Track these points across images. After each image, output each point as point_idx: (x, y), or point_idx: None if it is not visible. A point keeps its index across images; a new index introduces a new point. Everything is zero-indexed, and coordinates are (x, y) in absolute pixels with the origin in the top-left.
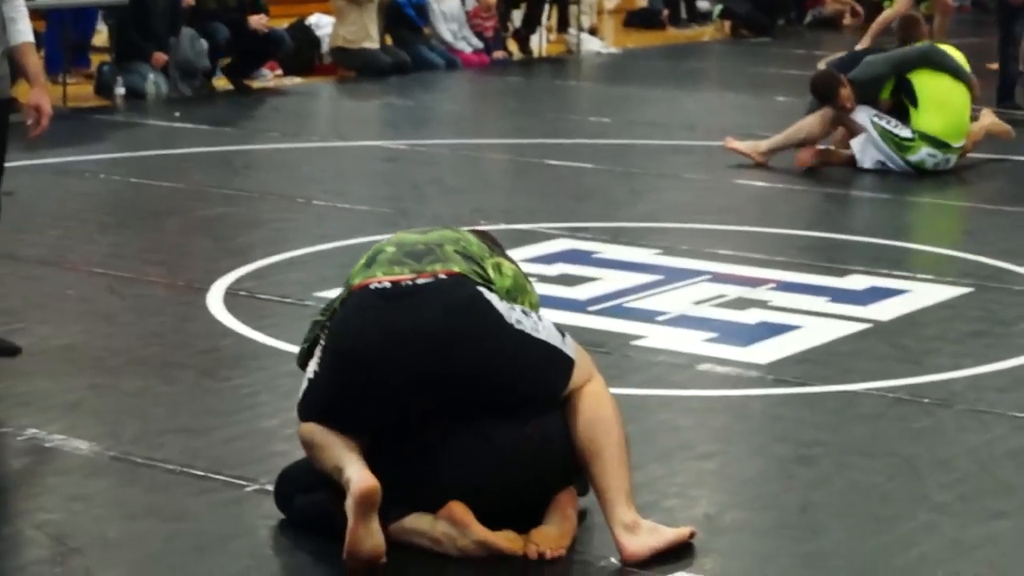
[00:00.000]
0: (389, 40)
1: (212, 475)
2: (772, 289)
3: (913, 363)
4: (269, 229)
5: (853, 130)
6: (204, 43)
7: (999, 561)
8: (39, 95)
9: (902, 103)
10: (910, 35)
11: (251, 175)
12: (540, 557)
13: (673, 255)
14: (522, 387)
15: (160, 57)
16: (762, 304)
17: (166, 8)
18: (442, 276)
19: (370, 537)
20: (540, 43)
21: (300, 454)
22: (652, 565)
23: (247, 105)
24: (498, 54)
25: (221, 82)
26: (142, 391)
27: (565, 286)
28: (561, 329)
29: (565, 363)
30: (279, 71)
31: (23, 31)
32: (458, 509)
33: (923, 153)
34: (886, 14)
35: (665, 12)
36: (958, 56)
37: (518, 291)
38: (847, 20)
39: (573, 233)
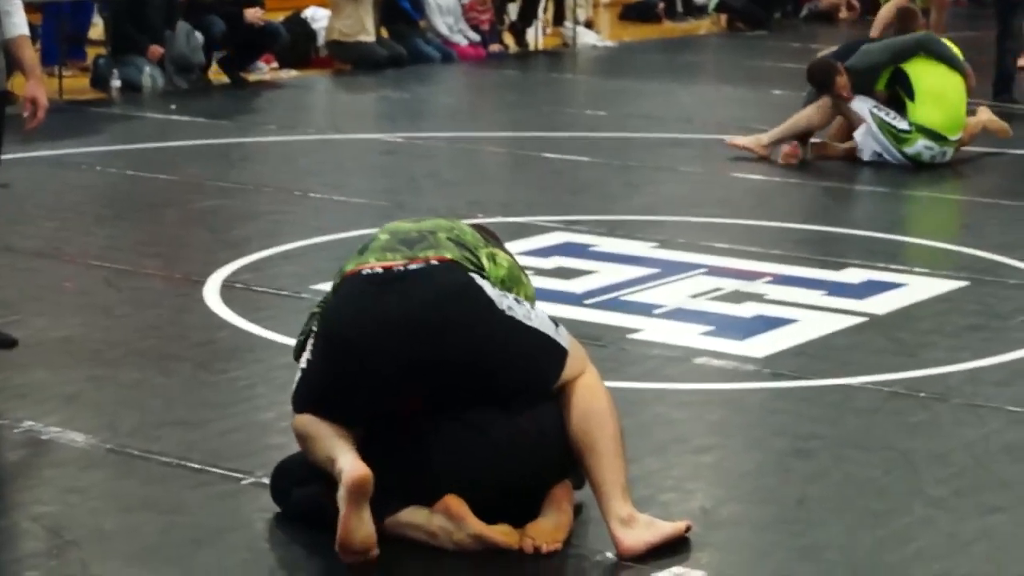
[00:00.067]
0: (385, 33)
1: (208, 468)
2: (768, 282)
3: (909, 357)
4: (265, 222)
5: (852, 121)
6: (200, 36)
7: (995, 555)
8: (35, 88)
9: (898, 96)
10: (907, 26)
11: (247, 168)
12: (536, 551)
13: (669, 248)
14: (514, 374)
15: (156, 50)
16: (758, 297)
17: (162, 1)
18: (434, 262)
19: (362, 527)
20: (536, 36)
21: (296, 447)
22: (648, 559)
23: (243, 98)
24: (494, 47)
25: (217, 75)
26: (139, 383)
27: (561, 279)
28: (555, 320)
29: (558, 352)
30: (275, 64)
31: (18, 24)
32: (454, 503)
33: (920, 145)
34: (887, 7)
35: (661, 5)
36: (954, 48)
37: (513, 282)
38: (843, 14)
39: (569, 226)
